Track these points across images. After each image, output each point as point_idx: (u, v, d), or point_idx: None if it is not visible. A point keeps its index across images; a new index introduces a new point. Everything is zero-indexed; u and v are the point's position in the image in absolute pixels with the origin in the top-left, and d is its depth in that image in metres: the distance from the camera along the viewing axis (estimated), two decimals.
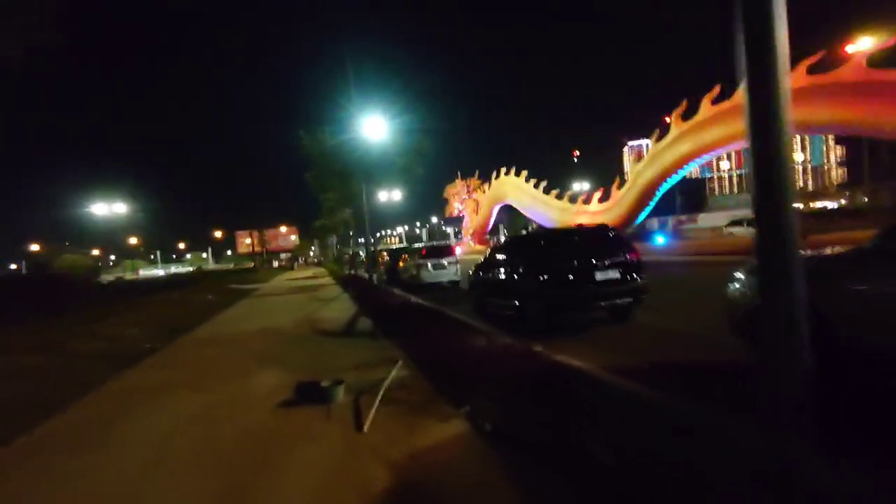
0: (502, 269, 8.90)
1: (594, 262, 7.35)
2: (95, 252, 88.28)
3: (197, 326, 11.13)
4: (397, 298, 12.02)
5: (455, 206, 60.38)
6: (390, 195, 24.13)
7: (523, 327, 7.53)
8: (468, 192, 56.35)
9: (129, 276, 76.64)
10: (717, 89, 21.03)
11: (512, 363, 4.72)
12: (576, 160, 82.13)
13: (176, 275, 45.00)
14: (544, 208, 37.05)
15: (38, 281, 37.15)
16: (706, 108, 21.61)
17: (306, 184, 16.38)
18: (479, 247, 40.76)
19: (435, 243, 22.23)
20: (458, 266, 17.11)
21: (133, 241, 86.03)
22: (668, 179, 24.89)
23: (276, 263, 73.10)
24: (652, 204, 26.64)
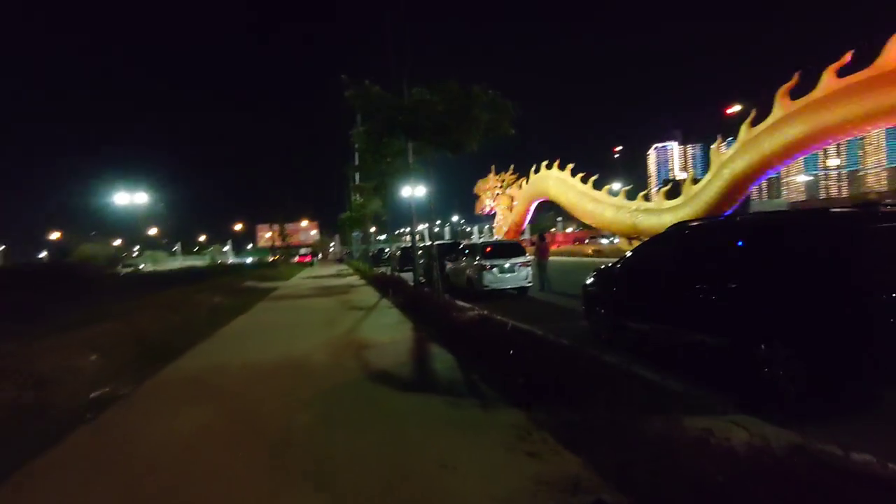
0: (698, 283, 5.20)
1: None
2: (117, 242, 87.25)
3: (188, 349, 7.74)
4: (472, 315, 8.45)
5: (486, 203, 56.68)
6: (413, 191, 20.66)
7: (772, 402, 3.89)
8: (502, 187, 52.60)
9: (147, 267, 75.08)
10: (848, 56, 16.91)
11: None
12: (616, 156, 77.70)
13: (192, 268, 42.29)
14: (594, 205, 33.02)
15: (45, 271, 34.95)
16: (830, 80, 17.46)
17: (338, 167, 13.06)
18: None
19: (502, 240, 18.73)
20: (531, 269, 13.46)
21: (153, 231, 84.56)
22: (768, 172, 20.80)
23: (296, 258, 70.40)
24: (741, 200, 22.52)
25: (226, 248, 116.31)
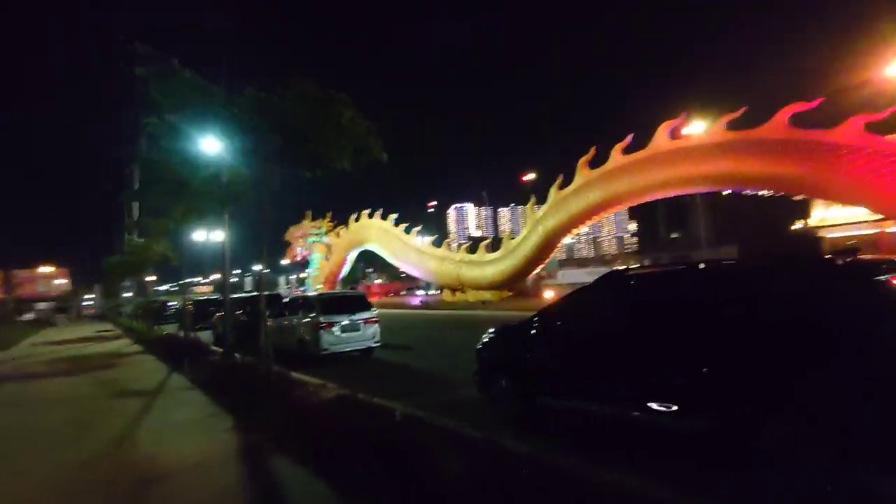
0: (660, 346, 4.00)
1: None
2: None
3: None
4: (327, 395, 5.90)
5: (298, 250, 52.45)
6: (209, 235, 17.02)
7: None
8: (317, 234, 49.35)
9: None
10: (629, 138, 20.33)
11: None
12: (430, 210, 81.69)
13: None
14: (418, 256, 32.83)
15: None
16: (617, 157, 20.66)
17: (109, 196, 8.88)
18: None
19: (344, 291, 15.95)
20: (378, 326, 11.32)
21: None
22: (575, 230, 23.34)
23: (31, 315, 52.34)
24: (552, 255, 24.76)
25: None
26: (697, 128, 20.19)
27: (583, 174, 22.18)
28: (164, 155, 8.11)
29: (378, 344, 11.25)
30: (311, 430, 4.85)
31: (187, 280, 21.47)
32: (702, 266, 4.26)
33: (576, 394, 4.85)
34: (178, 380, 9.15)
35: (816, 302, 3.45)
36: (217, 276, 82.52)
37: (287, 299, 13.58)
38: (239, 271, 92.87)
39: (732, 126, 17.19)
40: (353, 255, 44.60)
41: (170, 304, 33.98)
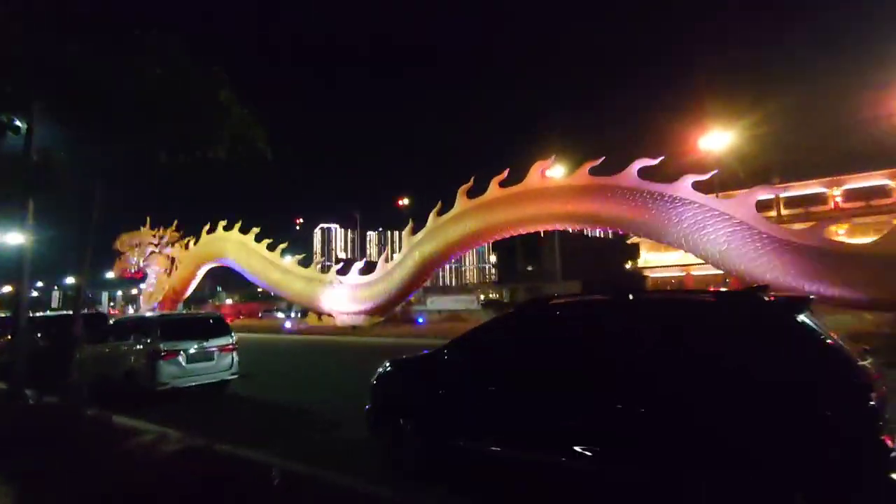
0: (597, 386, 3.66)
1: None
2: None
3: None
4: (170, 449, 4.41)
5: (131, 262, 44.60)
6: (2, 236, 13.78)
7: None
8: (159, 245, 42.56)
9: None
10: (505, 172, 21.37)
11: None
12: (297, 228, 76.31)
13: None
14: (283, 275, 30.03)
15: None
16: (495, 189, 21.55)
17: None
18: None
19: (195, 312, 13.19)
20: (235, 354, 9.55)
21: None
22: (451, 257, 23.45)
23: None
24: (426, 282, 24.51)
25: None
26: (558, 171, 22.24)
27: (462, 202, 22.63)
28: None
29: (235, 376, 9.48)
30: None
31: None
32: (630, 297, 4.08)
33: (495, 435, 4.28)
34: None
35: (751, 338, 3.41)
36: (7, 288, 66.04)
37: (114, 323, 10.87)
38: (41, 284, 75.57)
39: (594, 172, 19.12)
40: (202, 272, 39.40)
41: None
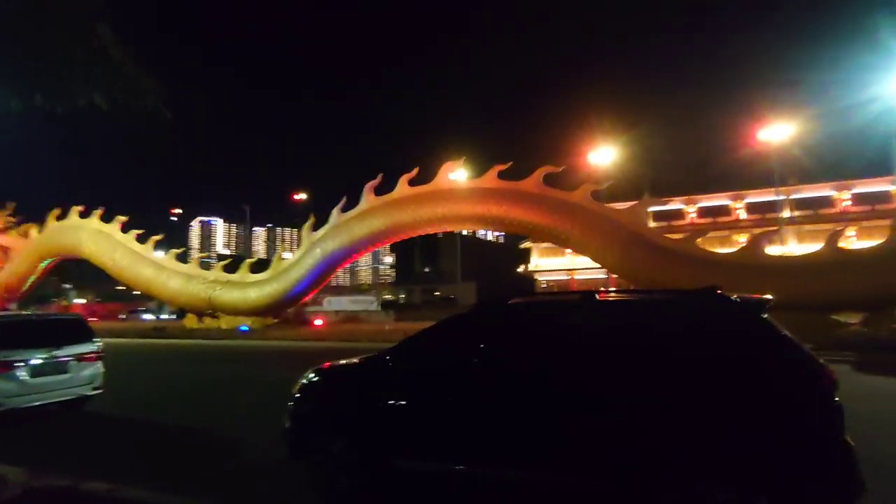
0: (564, 394, 3.40)
1: None
2: None
3: None
4: None
5: None
6: None
7: None
8: None
9: None
10: (415, 171, 20.96)
11: None
12: (174, 219, 67.50)
13: None
14: (155, 271, 26.12)
15: None
16: (404, 187, 21.04)
17: None
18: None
19: (48, 314, 10.38)
20: (101, 365, 7.81)
21: None
22: (355, 255, 22.29)
23: None
24: (328, 281, 22.97)
25: None
26: (462, 174, 22.51)
27: (369, 199, 21.77)
28: None
29: (99, 390, 7.73)
30: None
31: None
32: (598, 297, 3.88)
33: (440, 452, 3.81)
34: None
35: (719, 337, 3.38)
36: None
37: None
38: None
39: (502, 176, 19.58)
40: (44, 265, 32.91)
41: None
